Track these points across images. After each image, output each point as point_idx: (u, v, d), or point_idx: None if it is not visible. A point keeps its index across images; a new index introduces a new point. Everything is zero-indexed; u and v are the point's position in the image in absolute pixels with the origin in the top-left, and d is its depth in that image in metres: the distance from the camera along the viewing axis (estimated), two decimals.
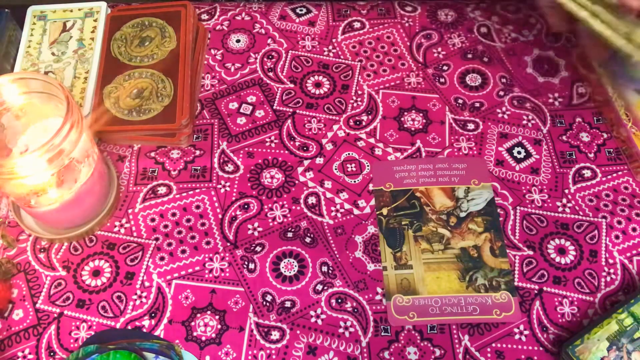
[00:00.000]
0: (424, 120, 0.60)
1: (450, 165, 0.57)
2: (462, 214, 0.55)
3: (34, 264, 0.52)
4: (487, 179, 0.56)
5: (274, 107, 0.60)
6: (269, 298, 0.51)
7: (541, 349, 0.49)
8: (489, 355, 0.49)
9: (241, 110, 0.60)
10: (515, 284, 0.52)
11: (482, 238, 0.53)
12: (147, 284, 0.51)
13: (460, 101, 0.61)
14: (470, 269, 0.52)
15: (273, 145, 0.58)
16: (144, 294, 0.51)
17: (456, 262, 0.52)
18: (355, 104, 0.61)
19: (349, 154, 0.58)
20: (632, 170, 0.57)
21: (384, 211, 0.55)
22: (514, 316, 0.50)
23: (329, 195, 0.56)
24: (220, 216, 0.55)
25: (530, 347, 0.49)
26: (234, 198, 0.56)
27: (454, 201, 0.55)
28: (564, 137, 0.59)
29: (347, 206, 0.55)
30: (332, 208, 0.55)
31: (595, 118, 0.60)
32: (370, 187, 0.56)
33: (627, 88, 0.59)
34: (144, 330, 0.49)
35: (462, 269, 0.52)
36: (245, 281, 0.52)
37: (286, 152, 0.58)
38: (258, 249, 0.53)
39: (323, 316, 0.50)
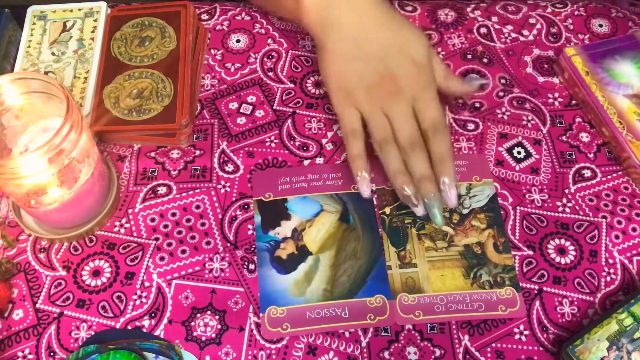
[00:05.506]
0: None
1: None
2: (465, 211, 0.55)
3: (34, 264, 0.52)
4: (488, 176, 0.56)
5: (274, 107, 0.60)
6: None
7: (541, 349, 0.49)
8: (489, 355, 0.49)
9: (241, 110, 0.60)
10: None
11: (485, 234, 0.53)
12: (147, 284, 0.51)
13: (460, 101, 0.61)
14: (475, 265, 0.52)
15: (273, 145, 0.58)
16: (144, 294, 0.51)
17: (460, 260, 0.52)
18: None
19: None
20: (625, 171, 0.57)
21: (387, 210, 0.55)
22: (519, 312, 0.50)
23: None
24: (220, 216, 0.55)
25: (530, 347, 0.49)
26: (234, 198, 0.56)
27: None
28: (564, 137, 0.59)
29: None
30: None
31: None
32: (373, 186, 0.56)
33: (616, 95, 0.58)
34: (144, 330, 0.49)
35: (467, 266, 0.52)
36: (245, 281, 0.52)
37: (286, 152, 0.58)
38: None
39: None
